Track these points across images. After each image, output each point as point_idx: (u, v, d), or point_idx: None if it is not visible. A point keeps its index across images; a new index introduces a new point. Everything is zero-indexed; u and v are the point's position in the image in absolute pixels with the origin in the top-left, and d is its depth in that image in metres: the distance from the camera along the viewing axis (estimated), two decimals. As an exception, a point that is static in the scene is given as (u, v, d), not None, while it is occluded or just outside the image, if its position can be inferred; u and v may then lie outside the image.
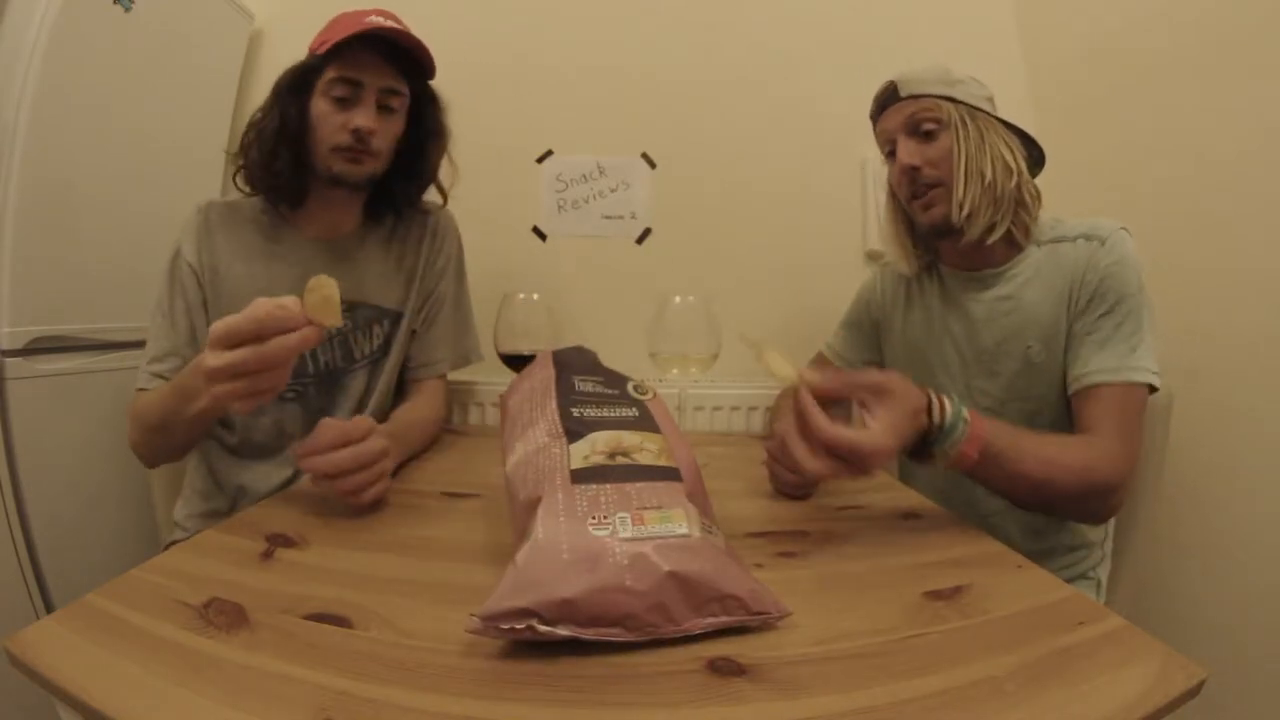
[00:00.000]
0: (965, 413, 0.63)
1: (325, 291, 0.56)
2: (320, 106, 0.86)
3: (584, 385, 0.57)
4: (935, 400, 0.62)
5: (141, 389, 0.84)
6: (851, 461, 0.57)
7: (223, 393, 0.55)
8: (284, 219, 0.94)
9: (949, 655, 0.41)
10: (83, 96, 1.00)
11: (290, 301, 0.54)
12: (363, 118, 0.85)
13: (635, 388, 0.58)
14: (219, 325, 0.54)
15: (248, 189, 0.91)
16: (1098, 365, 0.75)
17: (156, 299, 0.87)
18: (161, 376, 0.84)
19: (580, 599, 0.39)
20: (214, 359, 0.54)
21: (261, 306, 0.54)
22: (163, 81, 1.16)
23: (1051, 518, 0.84)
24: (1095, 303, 0.77)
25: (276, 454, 0.91)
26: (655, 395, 0.58)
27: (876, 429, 0.57)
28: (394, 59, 0.86)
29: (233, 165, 0.90)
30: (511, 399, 0.62)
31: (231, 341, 0.54)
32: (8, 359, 0.92)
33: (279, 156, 0.86)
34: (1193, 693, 0.37)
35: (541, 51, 1.36)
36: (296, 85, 0.86)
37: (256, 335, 0.53)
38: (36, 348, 0.96)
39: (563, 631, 0.39)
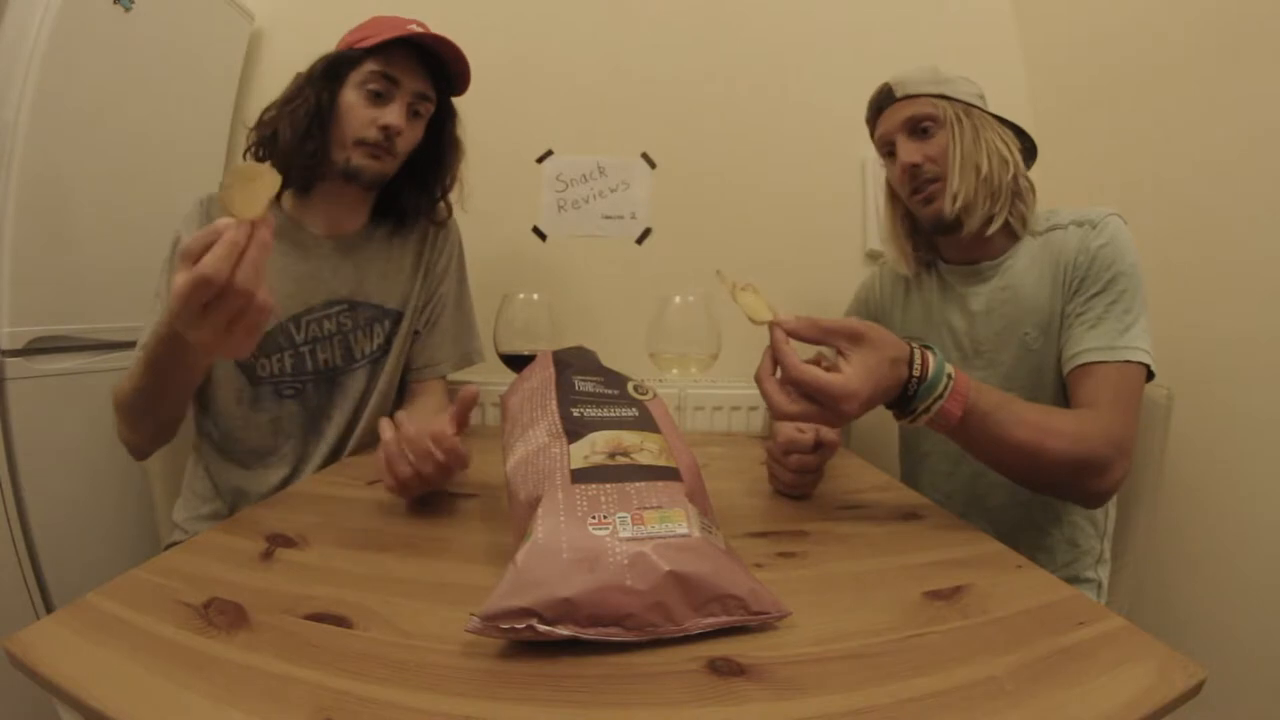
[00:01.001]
0: (949, 369, 0.60)
1: (243, 176, 0.49)
2: (351, 98, 0.86)
3: (584, 385, 0.57)
4: (918, 353, 0.60)
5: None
6: (823, 404, 0.56)
7: (226, 351, 0.52)
8: (288, 215, 0.93)
9: (949, 655, 0.41)
10: (83, 96, 1.01)
11: (222, 223, 0.49)
12: (393, 115, 0.86)
13: (635, 388, 0.58)
14: (176, 302, 0.48)
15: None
16: (1090, 344, 0.75)
17: (155, 288, 0.87)
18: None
19: (580, 598, 0.39)
20: (194, 334, 0.50)
21: (192, 243, 0.48)
22: (163, 82, 1.16)
23: (1051, 510, 0.84)
24: (1086, 284, 0.78)
25: (272, 455, 0.91)
26: (655, 396, 0.58)
27: (850, 372, 0.56)
28: (431, 67, 0.88)
29: (247, 142, 0.89)
30: (512, 399, 0.62)
31: (195, 306, 0.48)
32: (8, 359, 0.92)
33: (311, 139, 0.85)
34: (1193, 693, 0.37)
35: (541, 51, 1.36)
36: (330, 73, 0.86)
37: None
38: (36, 348, 0.96)
39: (563, 631, 0.39)
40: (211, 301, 0.48)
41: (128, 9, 1.06)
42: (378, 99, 0.86)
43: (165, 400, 0.76)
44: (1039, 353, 0.83)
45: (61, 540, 0.98)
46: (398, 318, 0.98)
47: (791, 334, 0.58)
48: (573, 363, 0.61)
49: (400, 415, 0.68)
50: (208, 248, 0.48)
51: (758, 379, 0.58)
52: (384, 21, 0.86)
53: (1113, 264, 0.77)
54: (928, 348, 0.61)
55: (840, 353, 0.58)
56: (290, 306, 0.90)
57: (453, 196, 1.03)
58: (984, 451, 0.66)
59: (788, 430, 0.73)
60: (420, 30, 0.85)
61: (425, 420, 0.82)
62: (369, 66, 0.85)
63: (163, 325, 0.63)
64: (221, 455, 0.91)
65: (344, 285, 0.93)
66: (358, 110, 0.86)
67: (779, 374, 0.58)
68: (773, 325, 0.59)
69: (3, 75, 0.92)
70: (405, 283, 0.98)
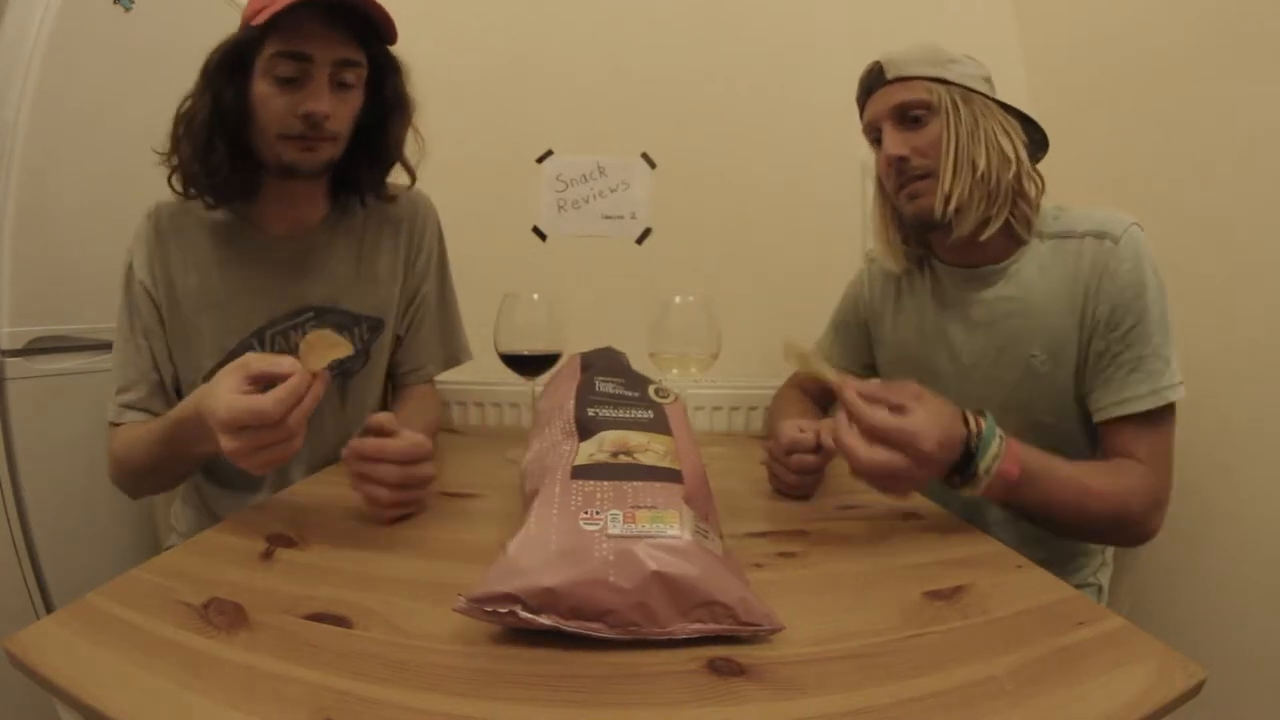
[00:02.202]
0: (999, 430, 0.61)
1: (324, 341, 0.56)
2: (262, 88, 0.73)
3: (604, 386, 0.58)
4: (966, 412, 0.61)
5: (115, 423, 0.80)
6: (901, 446, 0.56)
7: (247, 466, 0.55)
8: (242, 217, 0.83)
9: (949, 655, 0.41)
10: (83, 96, 1.01)
11: (287, 363, 0.54)
12: (315, 100, 0.72)
13: (657, 391, 0.59)
14: (225, 414, 0.53)
15: (185, 192, 0.79)
16: (1133, 392, 0.71)
17: (118, 320, 0.82)
18: (133, 408, 0.80)
19: (562, 589, 0.39)
20: (228, 443, 0.54)
21: (256, 364, 0.54)
22: (163, 82, 1.15)
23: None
24: (1119, 316, 0.72)
25: (249, 475, 0.86)
26: (677, 400, 0.58)
27: (918, 415, 0.57)
28: (345, 25, 0.73)
29: (165, 165, 0.78)
30: (541, 401, 0.64)
31: (239, 426, 0.53)
32: (8, 359, 0.92)
33: (214, 149, 0.74)
34: (1193, 693, 0.37)
35: (541, 52, 1.36)
36: (231, 64, 0.74)
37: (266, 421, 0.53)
38: (36, 348, 0.96)
39: (544, 620, 0.39)
40: (257, 427, 0.53)
41: (128, 9, 1.06)
42: (291, 84, 0.72)
43: (177, 469, 0.76)
44: (1046, 376, 0.77)
45: (61, 540, 0.98)
46: (374, 324, 0.90)
47: (860, 393, 0.60)
48: (598, 364, 0.63)
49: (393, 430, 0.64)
50: (271, 378, 0.53)
51: (837, 437, 0.59)
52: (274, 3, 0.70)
53: (1143, 290, 0.71)
54: (979, 412, 0.63)
55: (900, 409, 0.59)
56: (252, 320, 0.83)
57: (413, 159, 0.89)
58: (1032, 511, 0.66)
59: (790, 430, 0.72)
60: None
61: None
62: (271, 48, 0.71)
63: (189, 408, 0.62)
64: (206, 473, 0.88)
65: (310, 291, 0.85)
66: (272, 101, 0.72)
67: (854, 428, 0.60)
68: (845, 385, 0.60)
69: (3, 75, 0.92)
70: (382, 288, 0.91)
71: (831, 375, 0.62)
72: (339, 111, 0.76)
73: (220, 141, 0.74)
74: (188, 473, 0.81)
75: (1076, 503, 0.65)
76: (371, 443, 0.61)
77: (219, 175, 0.75)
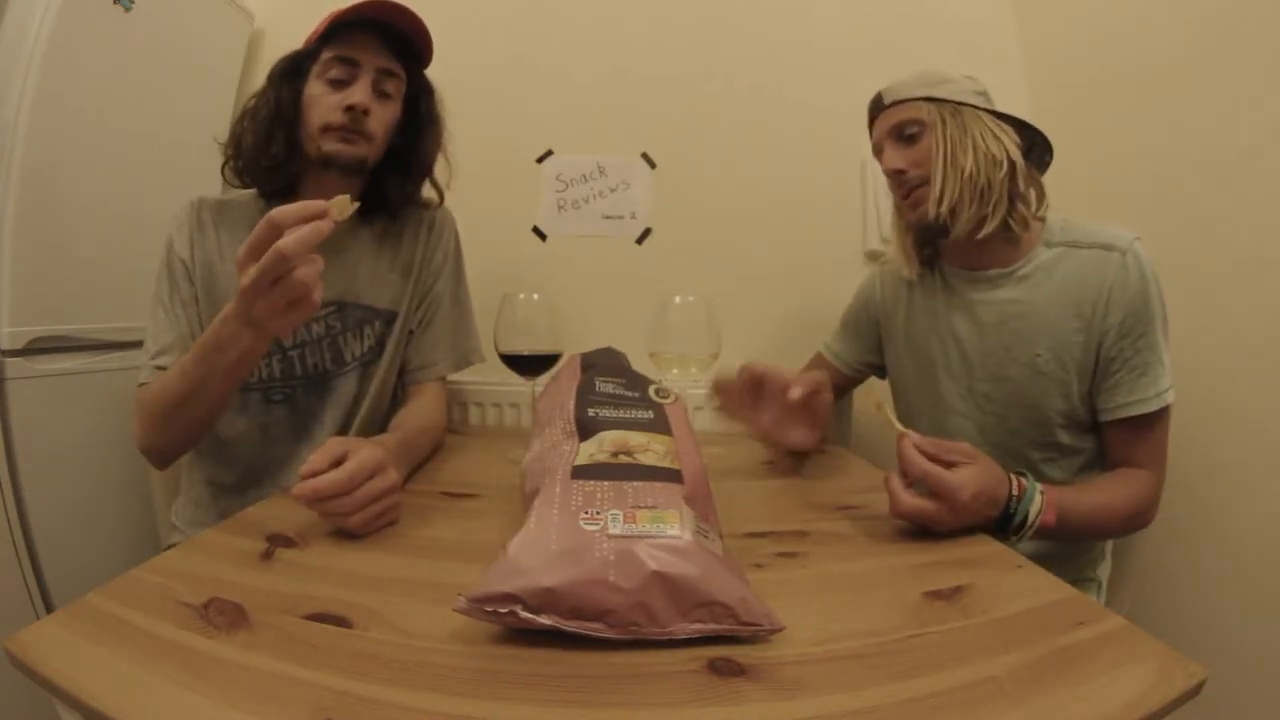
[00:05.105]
0: (1039, 486, 0.68)
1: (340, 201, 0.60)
2: (315, 88, 0.85)
3: (604, 386, 0.58)
4: (1012, 476, 0.67)
5: (145, 384, 0.81)
6: (942, 496, 0.61)
7: (263, 309, 0.58)
8: None
9: (949, 655, 0.41)
10: (83, 96, 1.01)
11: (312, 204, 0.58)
12: (358, 95, 0.83)
13: (657, 391, 0.59)
14: (241, 249, 0.57)
15: (237, 181, 0.88)
16: (1141, 394, 0.77)
17: (154, 294, 0.86)
18: (166, 370, 0.81)
19: (562, 589, 0.39)
20: (246, 276, 0.57)
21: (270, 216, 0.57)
22: (162, 82, 1.16)
23: None
24: (1130, 324, 0.77)
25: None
26: (677, 400, 0.58)
27: (963, 472, 0.63)
28: (390, 43, 0.86)
29: (222, 156, 0.88)
30: (541, 401, 0.64)
31: (255, 255, 0.57)
32: (8, 359, 0.92)
33: (274, 140, 0.84)
34: (1193, 693, 0.37)
35: (541, 51, 1.37)
36: (291, 71, 0.86)
37: (272, 240, 0.56)
38: (36, 348, 0.96)
39: (545, 620, 0.39)
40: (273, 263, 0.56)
41: (128, 9, 1.06)
42: (339, 85, 0.84)
43: (211, 392, 0.72)
44: (1048, 375, 0.81)
45: (61, 540, 0.98)
46: (389, 318, 0.95)
47: (916, 445, 0.65)
48: (598, 364, 0.63)
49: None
50: (257, 238, 0.57)
51: (888, 481, 0.64)
52: (337, 14, 0.84)
53: (1149, 300, 0.77)
54: (1020, 473, 0.68)
55: (952, 465, 0.64)
56: None
57: (441, 180, 0.99)
58: (1064, 540, 0.77)
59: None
60: (373, 0, 0.82)
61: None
62: (326, 55, 0.84)
63: (232, 309, 0.64)
64: (216, 487, 0.89)
65: (332, 287, 0.89)
66: (322, 99, 0.84)
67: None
68: (904, 436, 0.66)
69: (3, 75, 0.92)
70: (397, 282, 0.95)
71: (898, 426, 0.68)
72: (377, 113, 0.86)
73: (279, 133, 0.84)
74: (227, 387, 0.75)
75: (1101, 523, 0.74)
76: (309, 486, 0.57)
77: (275, 162, 0.85)
